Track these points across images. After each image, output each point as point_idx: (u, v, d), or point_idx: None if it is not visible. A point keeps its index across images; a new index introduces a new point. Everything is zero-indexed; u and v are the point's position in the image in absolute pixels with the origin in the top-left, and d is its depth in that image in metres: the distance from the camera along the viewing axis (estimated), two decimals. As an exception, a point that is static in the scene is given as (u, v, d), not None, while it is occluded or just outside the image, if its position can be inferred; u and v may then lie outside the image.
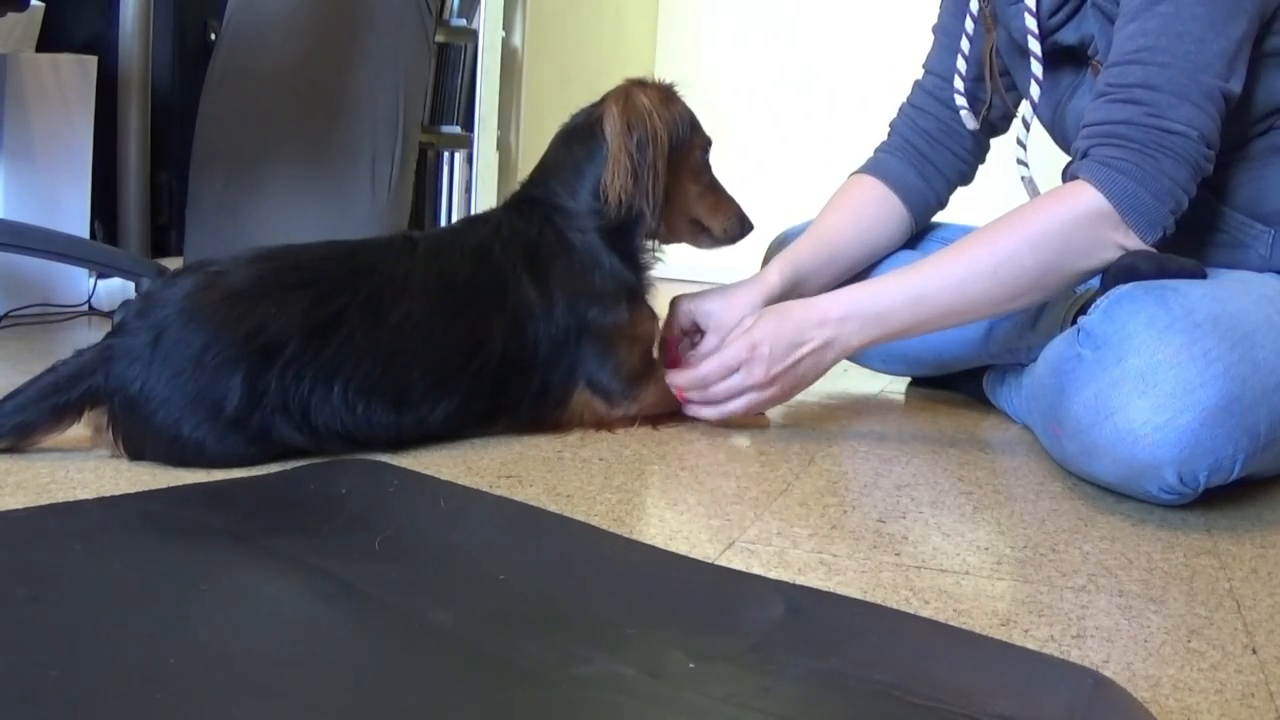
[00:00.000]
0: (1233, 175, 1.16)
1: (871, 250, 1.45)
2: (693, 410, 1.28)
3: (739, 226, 1.34)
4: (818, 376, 1.23)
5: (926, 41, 1.53)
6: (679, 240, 1.34)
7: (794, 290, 1.36)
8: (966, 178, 1.48)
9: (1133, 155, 1.06)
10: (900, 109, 1.50)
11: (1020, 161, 1.29)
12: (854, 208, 1.45)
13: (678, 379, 1.26)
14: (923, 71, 1.49)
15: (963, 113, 1.38)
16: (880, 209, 1.45)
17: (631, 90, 1.27)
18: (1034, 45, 1.22)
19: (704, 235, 1.34)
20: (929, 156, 1.45)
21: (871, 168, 1.48)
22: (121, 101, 2.14)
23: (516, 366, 1.18)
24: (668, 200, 1.27)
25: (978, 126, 1.39)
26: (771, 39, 3.49)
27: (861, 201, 1.45)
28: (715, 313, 1.34)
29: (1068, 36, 1.21)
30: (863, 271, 1.44)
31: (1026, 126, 1.30)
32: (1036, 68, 1.22)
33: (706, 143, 1.33)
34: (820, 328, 1.19)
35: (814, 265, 1.39)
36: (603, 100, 1.29)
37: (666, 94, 1.29)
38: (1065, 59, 1.25)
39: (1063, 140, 1.34)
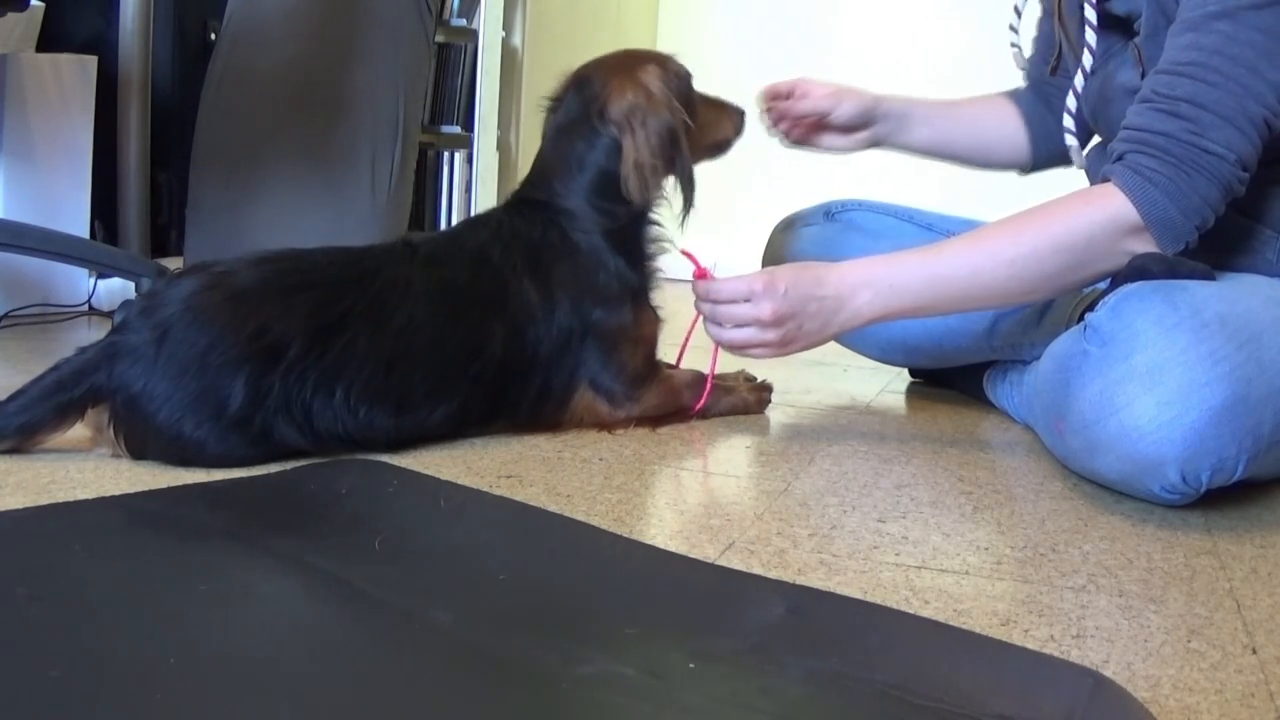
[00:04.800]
0: (1253, 187, 1.15)
1: (977, 135, 1.48)
2: (707, 325, 1.27)
3: (741, 117, 1.36)
4: (820, 338, 1.21)
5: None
6: (708, 159, 1.35)
7: (901, 121, 1.43)
8: (1083, 134, 1.42)
9: (1168, 169, 1.05)
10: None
11: (1067, 130, 1.28)
12: (973, 100, 1.51)
13: (698, 285, 1.25)
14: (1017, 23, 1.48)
15: (1012, 51, 1.37)
16: (999, 111, 1.49)
17: (639, 78, 1.23)
18: (1090, 13, 1.21)
19: (724, 147, 1.36)
20: (1056, 94, 1.42)
21: (1004, 91, 1.52)
22: (121, 101, 2.14)
23: (516, 369, 1.18)
24: (690, 145, 1.27)
25: (1025, 68, 1.40)
26: (771, 39, 3.49)
27: (983, 100, 1.51)
28: (811, 85, 1.42)
29: (1118, 7, 1.20)
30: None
31: (1076, 95, 1.28)
32: (1090, 35, 1.22)
33: (690, 77, 1.30)
34: (837, 288, 1.18)
35: (925, 114, 1.45)
36: (591, 82, 1.25)
37: (661, 66, 1.26)
38: (1114, 25, 1.24)
39: (1090, 110, 1.32)
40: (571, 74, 1.29)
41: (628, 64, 1.26)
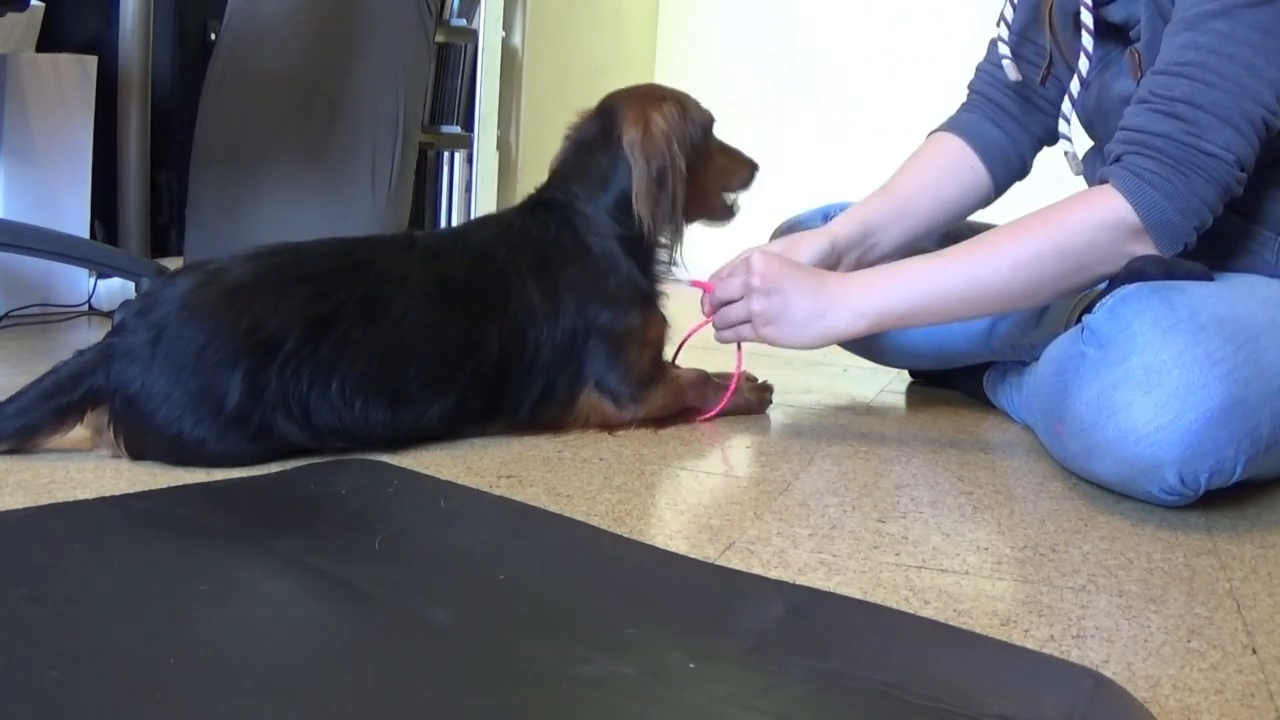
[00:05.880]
0: (1251, 189, 1.14)
1: (942, 204, 1.40)
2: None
3: (751, 170, 1.37)
4: (809, 331, 1.19)
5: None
6: (710, 216, 1.37)
7: (863, 241, 1.36)
8: (1054, 134, 1.36)
9: (1165, 170, 1.05)
10: (977, 69, 1.45)
11: (1064, 136, 1.27)
12: (924, 160, 1.42)
13: (707, 298, 1.29)
14: (997, 29, 1.40)
15: (1005, 63, 1.33)
16: (951, 161, 1.41)
17: (650, 114, 1.26)
18: (1087, 18, 1.19)
19: (728, 206, 1.37)
20: (1009, 111, 1.40)
21: (947, 124, 1.44)
22: (121, 101, 2.13)
23: (516, 369, 1.18)
24: (696, 191, 1.30)
25: (1019, 78, 1.34)
26: (770, 39, 3.49)
27: (933, 154, 1.42)
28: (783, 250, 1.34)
29: (1115, 14, 1.20)
30: (942, 236, 1.42)
31: (1072, 100, 1.27)
32: (1088, 41, 1.19)
33: (711, 122, 1.34)
34: (836, 286, 1.19)
35: (883, 218, 1.37)
36: (614, 109, 1.29)
37: (681, 106, 1.29)
38: (1110, 34, 1.23)
39: (1087, 120, 1.31)
40: (600, 102, 1.33)
41: (649, 98, 1.29)
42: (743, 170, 1.37)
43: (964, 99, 1.45)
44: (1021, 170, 1.43)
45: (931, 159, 1.42)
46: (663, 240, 1.30)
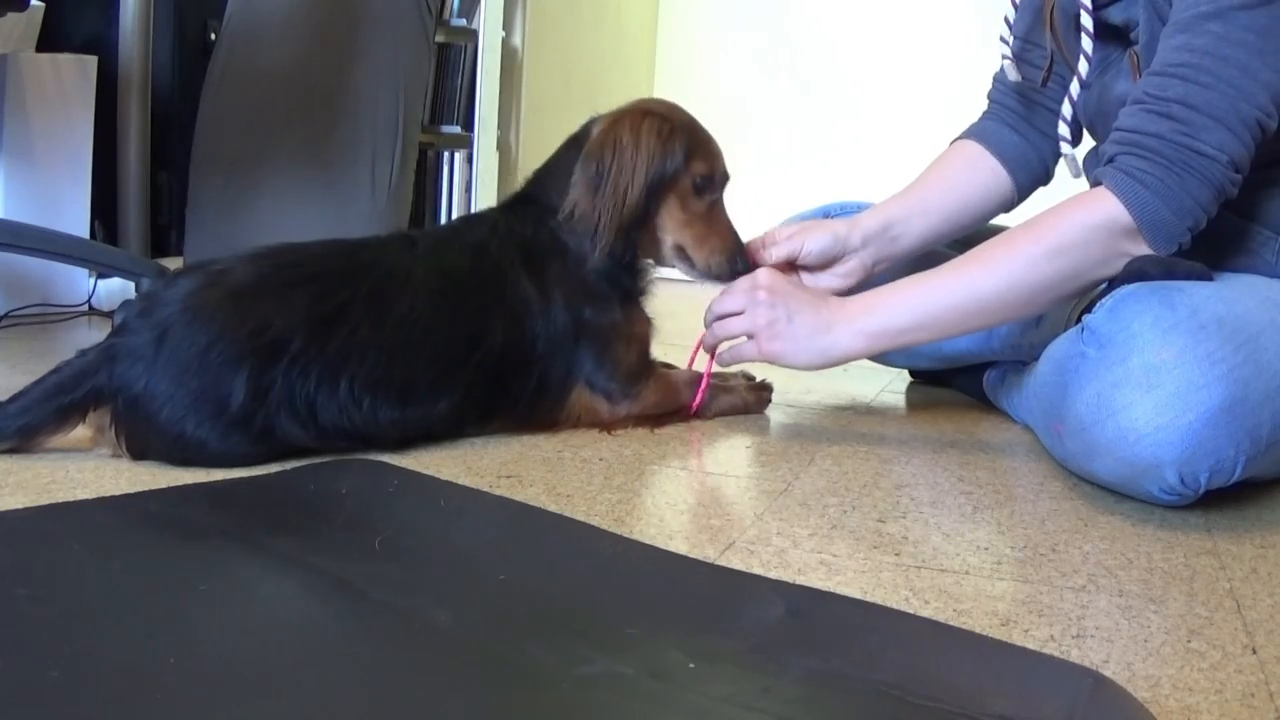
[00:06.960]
0: (1249, 189, 1.14)
1: (964, 203, 1.39)
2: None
3: (727, 265, 1.27)
4: (810, 347, 1.20)
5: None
6: (667, 264, 1.31)
7: (884, 233, 1.36)
8: (1075, 136, 1.34)
9: (1159, 170, 1.04)
10: (994, 78, 1.45)
11: (1062, 138, 1.27)
12: (944, 163, 1.43)
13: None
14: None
15: (1005, 63, 1.34)
16: (972, 165, 1.41)
17: (623, 117, 1.24)
18: (1086, 20, 1.20)
19: (688, 264, 1.29)
20: (1025, 116, 1.40)
21: (967, 131, 1.44)
22: (121, 101, 2.14)
23: (516, 361, 1.19)
24: (647, 225, 1.25)
25: (1019, 79, 1.35)
26: (771, 39, 3.49)
27: (953, 159, 1.43)
28: (779, 230, 1.36)
29: (1114, 16, 1.20)
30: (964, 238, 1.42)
31: (1072, 102, 1.28)
32: (1087, 43, 1.19)
33: (705, 173, 1.26)
34: (839, 305, 1.19)
35: (905, 212, 1.37)
36: (605, 115, 1.28)
37: (669, 125, 1.24)
38: (1110, 36, 1.23)
39: (1088, 122, 1.31)
40: None
41: (636, 111, 1.26)
42: (713, 250, 1.27)
43: (984, 108, 1.46)
44: (1044, 174, 1.43)
45: (952, 163, 1.43)
46: (595, 237, 1.24)
